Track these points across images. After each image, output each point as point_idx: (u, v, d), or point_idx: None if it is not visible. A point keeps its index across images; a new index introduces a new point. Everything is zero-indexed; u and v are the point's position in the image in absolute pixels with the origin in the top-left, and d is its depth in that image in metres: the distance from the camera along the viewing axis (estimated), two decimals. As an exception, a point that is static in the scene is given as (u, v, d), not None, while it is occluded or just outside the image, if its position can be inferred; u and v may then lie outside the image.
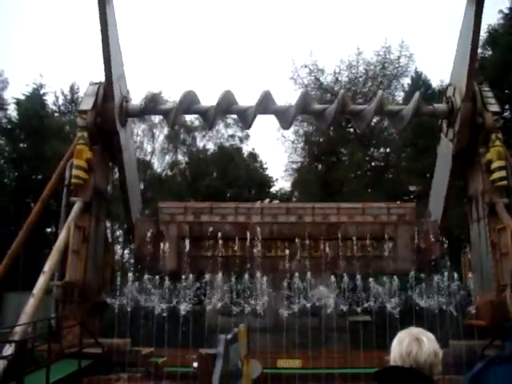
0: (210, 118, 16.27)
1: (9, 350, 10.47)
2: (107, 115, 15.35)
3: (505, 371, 2.05)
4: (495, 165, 14.70)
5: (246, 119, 16.22)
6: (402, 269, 15.44)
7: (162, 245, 15.83)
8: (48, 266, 13.24)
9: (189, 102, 16.00)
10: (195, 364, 9.29)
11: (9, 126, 31.07)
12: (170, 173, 38.11)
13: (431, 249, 15.95)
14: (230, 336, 6.46)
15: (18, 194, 28.90)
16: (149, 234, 16.17)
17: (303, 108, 16.20)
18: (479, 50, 25.45)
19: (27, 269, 20.90)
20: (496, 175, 14.66)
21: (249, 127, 16.80)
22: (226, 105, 15.94)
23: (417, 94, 16.25)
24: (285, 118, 16.17)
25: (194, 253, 15.92)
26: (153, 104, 16.58)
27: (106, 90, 15.37)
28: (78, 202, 14.62)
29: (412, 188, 32.88)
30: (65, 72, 63.07)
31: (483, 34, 25.68)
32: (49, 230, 30.75)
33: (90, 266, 14.70)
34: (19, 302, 14.55)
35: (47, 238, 27.99)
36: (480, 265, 15.09)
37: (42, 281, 12.87)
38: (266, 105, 15.76)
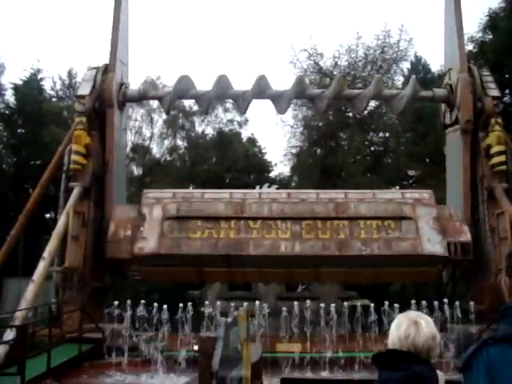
0: (204, 103, 16.21)
1: (10, 334, 10.56)
2: (106, 97, 15.28)
3: (497, 351, 2.12)
4: (495, 149, 14.68)
5: (241, 104, 16.16)
6: (430, 251, 13.80)
7: (141, 227, 14.24)
8: (47, 251, 13.27)
9: (184, 87, 15.91)
10: (196, 347, 9.38)
11: (7, 112, 30.90)
12: (168, 158, 38.08)
13: (459, 231, 14.43)
14: (229, 320, 6.51)
15: (17, 180, 28.87)
16: (128, 217, 14.72)
17: (299, 92, 16.10)
18: (479, 34, 25.33)
19: (27, 255, 20.95)
20: (495, 160, 14.64)
21: (244, 112, 16.80)
22: (221, 89, 15.84)
23: (413, 78, 16.18)
24: (280, 102, 16.09)
25: (180, 234, 14.25)
26: (150, 89, 16.53)
27: (109, 63, 15.40)
28: (77, 187, 14.61)
29: (411, 173, 32.88)
30: (63, 57, 62.66)
31: (484, 18, 25.53)
32: (48, 215, 30.77)
33: (90, 251, 14.74)
34: (19, 288, 14.63)
35: (46, 224, 27.99)
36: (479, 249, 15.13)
37: (41, 266, 12.92)
38: (261, 89, 15.67)
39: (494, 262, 14.15)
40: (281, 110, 16.74)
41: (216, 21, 67.59)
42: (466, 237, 14.31)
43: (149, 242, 14.02)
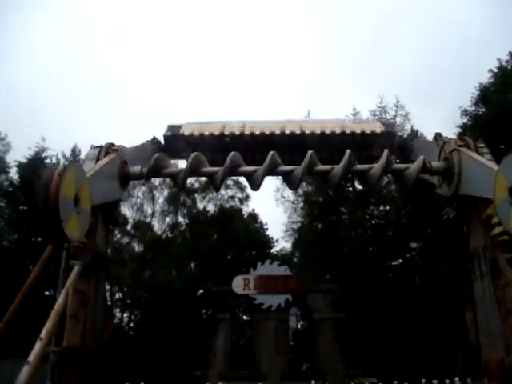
0: (179, 181, 16.30)
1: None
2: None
3: None
4: (495, 219, 14.63)
5: (215, 181, 16.27)
6: None
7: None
8: (45, 331, 12.88)
9: (159, 165, 16.04)
10: None
11: (10, 189, 31.25)
12: (170, 235, 38.11)
13: None
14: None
15: (17, 257, 28.66)
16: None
17: (271, 169, 16.16)
18: (472, 108, 26.13)
19: (23, 334, 20.44)
20: (497, 230, 14.56)
21: (218, 189, 16.93)
22: (196, 167, 15.96)
23: (385, 152, 16.26)
24: (253, 179, 16.20)
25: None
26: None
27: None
28: (78, 264, 14.45)
29: (413, 245, 32.73)
30: (68, 134, 64.14)
31: (475, 92, 26.48)
32: (47, 293, 30.30)
33: (89, 330, 14.36)
34: (13, 371, 14.13)
35: (45, 302, 27.51)
36: (486, 322, 14.75)
37: (38, 347, 12.51)
38: (234, 167, 15.78)
39: (503, 335, 13.74)
40: (254, 187, 16.77)
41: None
42: None
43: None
